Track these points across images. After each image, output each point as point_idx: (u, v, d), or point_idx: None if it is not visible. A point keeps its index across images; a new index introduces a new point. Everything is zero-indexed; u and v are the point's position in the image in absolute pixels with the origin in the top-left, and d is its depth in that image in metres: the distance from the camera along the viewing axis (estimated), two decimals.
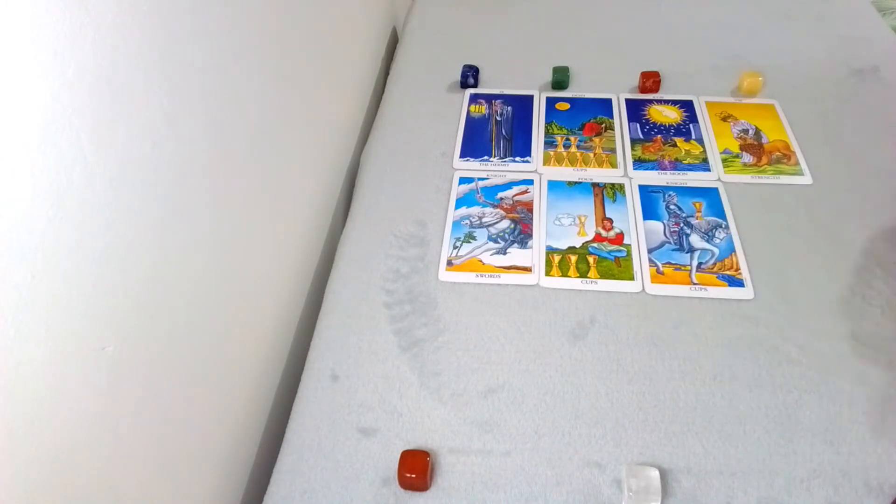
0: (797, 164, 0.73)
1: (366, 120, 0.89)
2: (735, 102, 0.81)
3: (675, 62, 0.86)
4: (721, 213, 0.67)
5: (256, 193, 0.55)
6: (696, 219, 0.67)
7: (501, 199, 0.71)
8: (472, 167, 0.74)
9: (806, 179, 0.71)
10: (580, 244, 0.65)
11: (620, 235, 0.66)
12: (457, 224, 0.68)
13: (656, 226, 0.67)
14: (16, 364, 0.30)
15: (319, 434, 0.53)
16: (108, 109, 0.35)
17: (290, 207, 0.64)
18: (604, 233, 0.66)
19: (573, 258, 0.64)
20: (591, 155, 0.75)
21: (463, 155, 0.76)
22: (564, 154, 0.75)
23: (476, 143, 0.77)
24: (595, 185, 0.71)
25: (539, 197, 0.70)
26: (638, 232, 0.66)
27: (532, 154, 0.75)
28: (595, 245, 0.65)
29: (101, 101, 0.34)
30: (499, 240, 0.66)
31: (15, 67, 0.29)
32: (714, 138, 0.76)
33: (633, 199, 0.69)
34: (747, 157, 0.73)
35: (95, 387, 0.36)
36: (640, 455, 0.51)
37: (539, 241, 0.66)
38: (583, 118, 0.80)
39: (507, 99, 0.83)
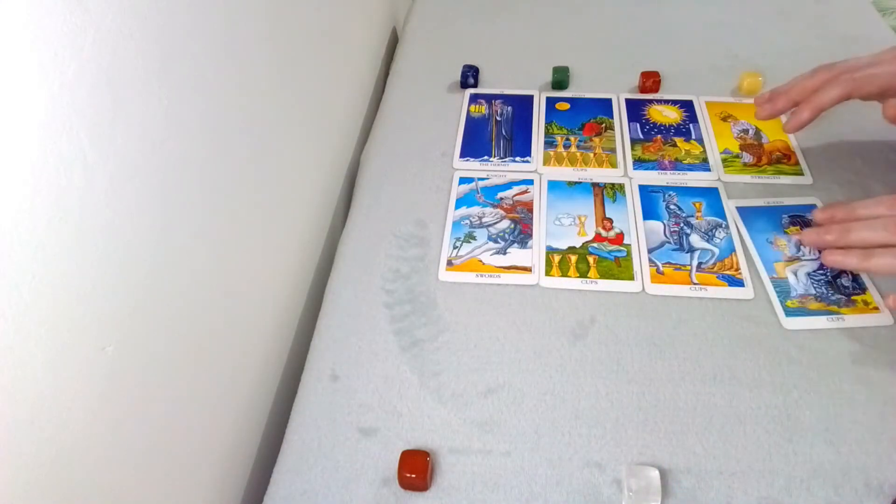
0: (797, 163, 0.73)
1: (366, 120, 0.89)
2: (735, 102, 0.81)
3: (675, 62, 0.86)
4: (721, 213, 0.67)
5: (256, 193, 0.55)
6: (696, 219, 0.67)
7: (501, 199, 0.71)
8: (472, 167, 0.74)
9: (806, 179, 0.71)
10: (580, 244, 0.65)
11: (620, 235, 0.66)
12: (457, 224, 0.68)
13: (656, 226, 0.67)
14: (16, 364, 0.30)
15: (319, 434, 0.53)
16: (108, 109, 0.35)
17: (290, 207, 0.64)
18: (604, 233, 0.66)
19: (573, 258, 0.64)
20: (591, 155, 0.75)
21: (463, 155, 0.76)
22: (564, 154, 0.75)
23: (476, 143, 0.77)
24: (595, 185, 0.71)
25: (539, 197, 0.70)
26: (638, 232, 0.66)
27: (532, 154, 0.75)
28: (595, 245, 0.65)
29: (101, 101, 0.34)
30: (499, 240, 0.66)
31: (14, 67, 0.29)
32: (714, 138, 0.76)
33: (633, 199, 0.69)
34: (747, 157, 0.73)
35: (95, 387, 0.36)
36: (640, 455, 0.51)
37: (539, 241, 0.66)
38: (583, 118, 0.80)
39: (507, 99, 0.83)
